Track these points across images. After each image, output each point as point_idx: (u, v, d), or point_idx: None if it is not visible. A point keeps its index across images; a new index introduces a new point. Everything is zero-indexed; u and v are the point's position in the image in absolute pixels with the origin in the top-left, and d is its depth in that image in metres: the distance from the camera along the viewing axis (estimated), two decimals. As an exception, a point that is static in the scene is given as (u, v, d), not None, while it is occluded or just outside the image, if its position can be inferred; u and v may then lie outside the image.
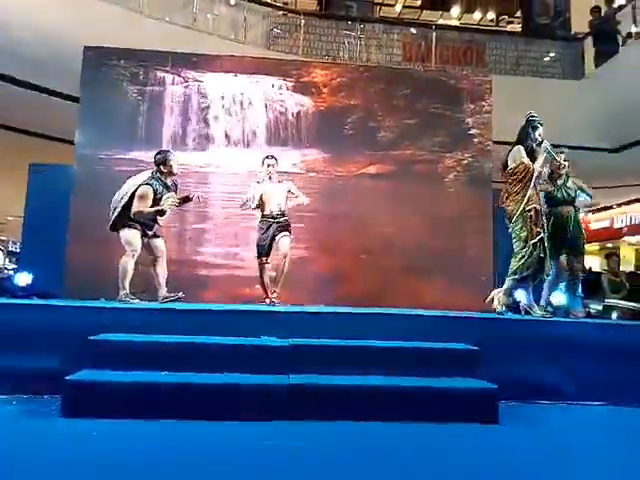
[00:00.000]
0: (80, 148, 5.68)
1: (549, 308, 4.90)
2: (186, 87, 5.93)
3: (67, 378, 2.89)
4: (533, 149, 4.59)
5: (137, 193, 4.45)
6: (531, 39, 10.18)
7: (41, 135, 9.49)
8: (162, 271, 4.66)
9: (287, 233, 4.94)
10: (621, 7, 9.28)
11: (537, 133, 4.64)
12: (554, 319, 4.43)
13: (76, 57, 5.79)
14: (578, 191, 5.10)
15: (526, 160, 4.51)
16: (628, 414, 3.55)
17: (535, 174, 4.49)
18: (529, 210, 4.47)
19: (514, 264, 4.54)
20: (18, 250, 6.03)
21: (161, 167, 4.63)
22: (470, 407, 3.06)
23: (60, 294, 4.97)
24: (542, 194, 4.75)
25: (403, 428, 2.86)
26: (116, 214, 4.50)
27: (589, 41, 9.71)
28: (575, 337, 3.91)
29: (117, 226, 4.54)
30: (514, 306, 4.75)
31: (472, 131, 6.18)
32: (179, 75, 5.90)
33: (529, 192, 4.47)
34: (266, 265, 5.01)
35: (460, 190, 6.07)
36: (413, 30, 10.25)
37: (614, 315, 6.13)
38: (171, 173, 4.67)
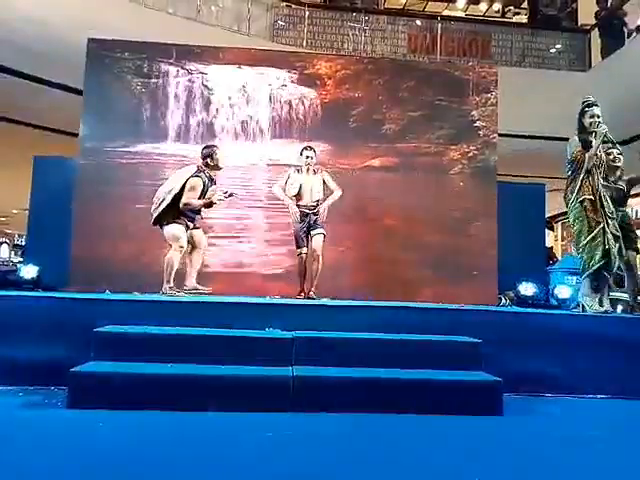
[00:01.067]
0: (84, 141, 5.69)
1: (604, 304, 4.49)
2: (190, 79, 5.92)
3: (72, 370, 2.90)
4: (586, 137, 4.37)
5: (187, 185, 4.49)
6: (537, 30, 10.08)
7: (45, 128, 9.52)
8: (197, 261, 4.71)
9: (322, 231, 4.98)
10: (627, -1, 9.19)
11: (588, 118, 4.40)
12: (557, 312, 4.40)
13: (80, 49, 5.79)
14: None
15: (576, 149, 4.37)
16: (630, 406, 3.54)
17: (586, 162, 4.29)
18: (581, 201, 4.31)
19: (581, 262, 4.40)
20: (24, 243, 6.05)
21: (208, 160, 4.68)
22: (475, 399, 3.05)
23: (66, 286, 4.99)
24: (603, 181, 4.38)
25: (407, 420, 2.86)
26: (164, 206, 4.50)
27: (596, 32, 9.62)
28: (578, 330, 3.89)
29: (162, 220, 4.55)
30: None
31: (477, 123, 6.15)
32: (183, 67, 5.90)
33: (579, 182, 4.32)
34: (303, 256, 5.03)
35: (465, 183, 6.05)
36: (418, 22, 10.19)
37: (619, 308, 6.09)
38: (217, 167, 4.73)
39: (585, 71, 9.51)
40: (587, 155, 4.31)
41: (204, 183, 4.57)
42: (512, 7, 11.87)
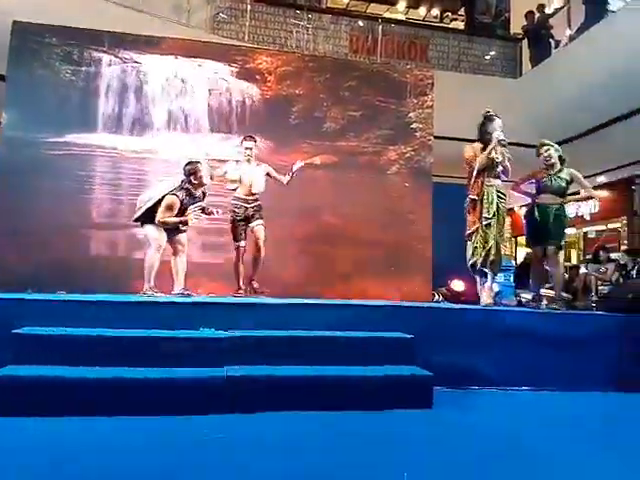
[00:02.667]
0: (7, 130, 5.33)
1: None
2: (123, 68, 5.67)
3: (-12, 374, 2.72)
4: (487, 142, 4.67)
5: (164, 202, 4.44)
6: (473, 37, 10.46)
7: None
8: (182, 265, 4.61)
9: (262, 221, 4.98)
10: (553, 13, 9.72)
11: (489, 127, 4.70)
12: (489, 308, 4.59)
13: (2, 32, 5.42)
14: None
15: (467, 154, 4.68)
16: (552, 398, 3.76)
17: (477, 165, 4.57)
18: (470, 200, 4.64)
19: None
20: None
21: (191, 178, 4.58)
22: (406, 393, 3.15)
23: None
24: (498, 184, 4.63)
25: (341, 416, 2.90)
26: (140, 213, 4.52)
27: (526, 42, 10.12)
28: (505, 325, 4.08)
29: (140, 220, 4.55)
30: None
31: (414, 125, 6.30)
32: (116, 56, 5.64)
33: (472, 182, 4.61)
34: (242, 249, 4.98)
35: (402, 183, 6.18)
36: (360, 22, 10.29)
37: (543, 304, 6.43)
38: (201, 184, 4.65)
39: (516, 78, 9.97)
40: (478, 159, 4.61)
41: (181, 201, 4.50)
42: (450, 13, 12.26)
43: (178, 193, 4.51)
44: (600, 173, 10.99)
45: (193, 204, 4.61)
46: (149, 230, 4.49)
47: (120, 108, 5.63)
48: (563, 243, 5.00)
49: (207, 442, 2.43)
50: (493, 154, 4.55)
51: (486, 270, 4.58)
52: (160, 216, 4.43)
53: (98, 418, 2.66)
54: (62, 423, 2.59)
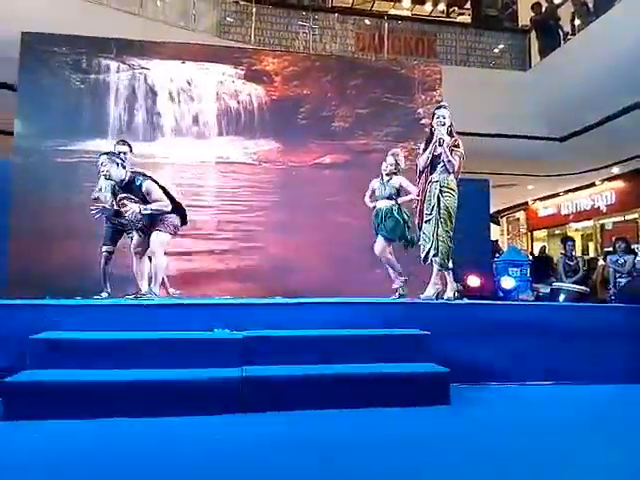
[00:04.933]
0: (19, 139, 5.41)
1: None
2: (132, 75, 5.73)
3: (7, 380, 2.75)
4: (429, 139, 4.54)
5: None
6: (480, 30, 10.38)
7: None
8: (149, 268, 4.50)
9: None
10: (561, 4, 9.60)
11: (435, 119, 4.51)
12: (504, 303, 4.54)
13: (12, 43, 5.49)
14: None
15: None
16: (572, 392, 3.69)
17: (419, 165, 4.59)
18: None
19: None
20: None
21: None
22: (423, 390, 3.10)
23: (5, 292, 4.73)
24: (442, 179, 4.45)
25: (358, 414, 2.88)
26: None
27: (534, 34, 10.01)
28: (522, 320, 4.03)
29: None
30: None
31: (423, 121, 6.25)
32: (124, 62, 5.71)
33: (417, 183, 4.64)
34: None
35: (412, 179, 6.13)
36: (367, 21, 10.28)
37: (561, 298, 6.36)
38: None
39: (525, 70, 9.87)
40: (419, 158, 4.59)
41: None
42: (456, 7, 12.17)
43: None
44: (613, 164, 10.84)
45: (122, 194, 4.35)
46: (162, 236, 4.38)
47: (129, 114, 5.69)
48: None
49: (223, 442, 2.42)
50: (428, 154, 4.46)
51: (438, 266, 4.51)
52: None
53: (115, 420, 2.66)
54: (80, 425, 2.60)
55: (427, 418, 2.87)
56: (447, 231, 4.44)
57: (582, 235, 13.43)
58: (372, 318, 3.76)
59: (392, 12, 11.80)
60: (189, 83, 5.86)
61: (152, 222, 4.32)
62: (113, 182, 4.34)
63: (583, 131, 9.16)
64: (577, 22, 9.09)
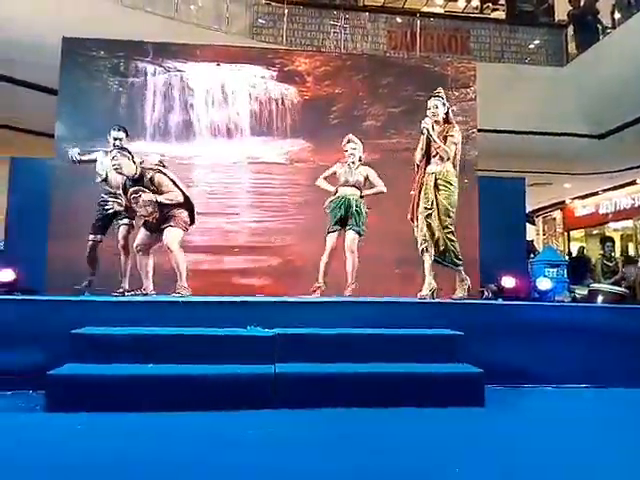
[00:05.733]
0: (60, 142, 5.59)
1: None
2: (168, 77, 5.86)
3: (50, 373, 2.85)
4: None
5: None
6: (515, 26, 10.18)
7: (22, 130, 9.33)
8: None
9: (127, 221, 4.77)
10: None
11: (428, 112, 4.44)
12: (540, 304, 4.44)
13: (55, 48, 5.69)
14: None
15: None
16: (610, 395, 3.59)
17: (416, 158, 4.50)
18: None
19: None
20: (1, 247, 5.95)
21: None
22: (457, 391, 3.07)
23: (43, 290, 4.91)
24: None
25: (390, 413, 2.87)
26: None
27: (572, 28, 9.75)
28: (559, 321, 3.94)
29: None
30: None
31: (457, 118, 6.15)
32: (160, 65, 5.83)
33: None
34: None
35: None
36: (398, 19, 10.21)
37: (599, 299, 6.18)
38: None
39: (563, 66, 9.62)
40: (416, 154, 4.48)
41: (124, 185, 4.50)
42: (490, 3, 11.95)
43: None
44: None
45: (133, 188, 4.41)
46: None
47: (165, 116, 5.81)
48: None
49: (256, 438, 2.45)
50: (421, 146, 4.41)
51: (446, 263, 4.39)
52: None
53: (152, 414, 2.73)
54: (118, 418, 2.68)
55: (461, 419, 2.83)
56: (450, 226, 4.32)
57: (622, 235, 13.00)
58: (405, 317, 3.74)
59: (424, 9, 11.68)
60: (223, 85, 5.94)
61: (163, 218, 4.39)
62: (124, 177, 4.43)
63: (623, 127, 8.87)
64: (617, 16, 8.81)
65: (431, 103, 4.43)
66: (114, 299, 4.11)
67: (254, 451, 2.27)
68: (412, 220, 4.52)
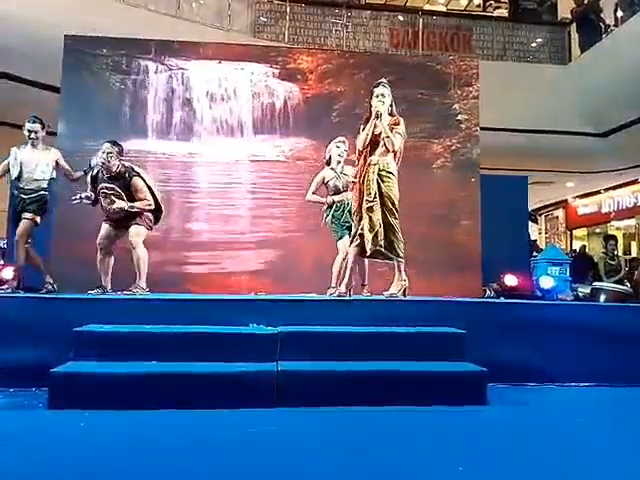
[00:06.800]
0: (62, 139, 5.59)
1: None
2: (170, 75, 5.85)
3: (53, 370, 2.86)
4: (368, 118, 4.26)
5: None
6: (518, 24, 10.15)
7: (18, 126, 9.29)
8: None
9: (30, 215, 4.50)
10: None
11: (374, 99, 4.21)
12: (542, 302, 4.44)
13: (58, 46, 5.68)
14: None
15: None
16: (612, 393, 3.58)
17: (358, 145, 4.26)
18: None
19: None
20: (4, 246, 5.95)
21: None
22: (459, 390, 3.07)
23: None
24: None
25: (393, 412, 2.86)
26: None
27: (575, 26, 9.73)
28: (561, 320, 3.93)
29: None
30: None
31: (459, 117, 6.16)
32: (162, 63, 5.82)
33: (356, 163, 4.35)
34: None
35: (448, 176, 6.06)
36: (400, 17, 10.19)
37: (602, 298, 6.17)
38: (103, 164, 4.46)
39: (565, 64, 9.60)
40: (358, 138, 4.22)
41: (94, 177, 4.49)
42: (492, 1, 11.93)
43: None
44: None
45: (107, 184, 4.38)
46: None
47: (168, 113, 5.81)
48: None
49: (258, 436, 2.45)
50: (367, 132, 4.13)
51: (390, 257, 4.16)
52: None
53: (155, 412, 2.73)
54: (120, 416, 2.67)
55: (463, 418, 2.83)
56: (396, 218, 4.14)
57: (624, 234, 12.97)
58: (407, 315, 3.73)
59: (427, 7, 11.65)
60: (225, 82, 5.93)
61: (129, 215, 4.42)
62: (101, 169, 4.40)
63: (626, 126, 8.85)
64: (620, 14, 8.77)
65: (379, 91, 4.20)
66: (115, 297, 4.11)
67: (256, 449, 2.27)
68: (357, 214, 4.26)
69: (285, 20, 9.64)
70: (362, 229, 4.12)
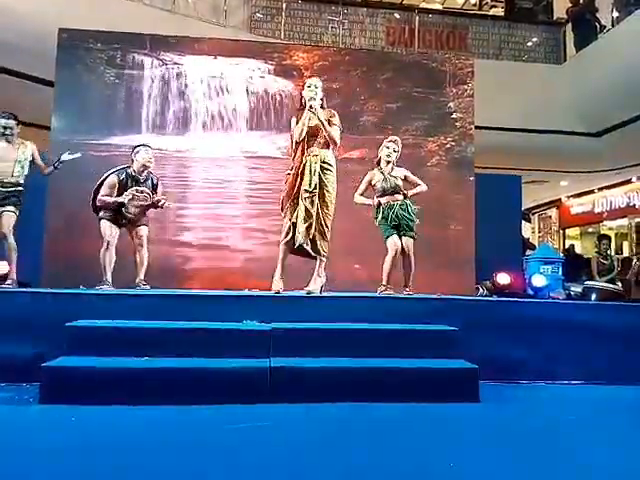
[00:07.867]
0: (56, 134, 5.56)
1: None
2: (165, 70, 5.82)
3: (44, 365, 2.85)
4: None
5: (105, 182, 4.55)
6: (514, 23, 10.18)
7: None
8: (140, 259, 4.67)
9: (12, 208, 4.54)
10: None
11: (306, 89, 4.15)
12: (535, 300, 4.46)
13: (51, 40, 5.64)
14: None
15: (292, 126, 4.22)
16: (603, 391, 3.61)
17: (294, 135, 4.14)
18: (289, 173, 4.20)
19: None
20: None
21: (132, 158, 4.68)
22: (451, 387, 3.08)
23: (39, 283, 4.89)
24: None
25: (385, 408, 2.87)
26: (91, 200, 4.62)
27: (570, 26, 9.76)
28: (554, 318, 3.95)
29: (97, 213, 4.64)
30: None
31: (454, 115, 6.17)
32: (157, 58, 5.80)
33: (292, 154, 4.23)
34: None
35: (443, 174, 6.07)
36: (397, 14, 10.19)
37: (594, 297, 6.21)
38: (142, 166, 4.64)
39: (560, 64, 9.63)
40: (293, 129, 4.15)
41: (120, 182, 4.54)
42: (488, 0, 11.95)
43: (118, 173, 4.56)
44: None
45: (136, 187, 4.56)
46: (101, 225, 4.54)
47: (163, 108, 5.79)
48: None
49: (250, 431, 2.45)
50: (302, 124, 4.05)
51: (313, 253, 4.08)
52: (99, 196, 4.51)
53: (147, 407, 2.73)
54: (112, 412, 2.66)
55: (455, 415, 2.84)
56: (328, 213, 4.08)
57: (616, 234, 13.05)
58: (400, 313, 3.75)
59: (423, 5, 11.64)
60: (220, 78, 5.91)
61: (141, 216, 4.65)
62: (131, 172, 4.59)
63: (620, 126, 8.89)
64: (615, 14, 8.81)
65: (310, 81, 4.17)
66: (108, 292, 4.10)
67: (247, 445, 2.27)
68: (282, 208, 4.17)
69: (281, 16, 9.62)
70: (296, 218, 4.00)
